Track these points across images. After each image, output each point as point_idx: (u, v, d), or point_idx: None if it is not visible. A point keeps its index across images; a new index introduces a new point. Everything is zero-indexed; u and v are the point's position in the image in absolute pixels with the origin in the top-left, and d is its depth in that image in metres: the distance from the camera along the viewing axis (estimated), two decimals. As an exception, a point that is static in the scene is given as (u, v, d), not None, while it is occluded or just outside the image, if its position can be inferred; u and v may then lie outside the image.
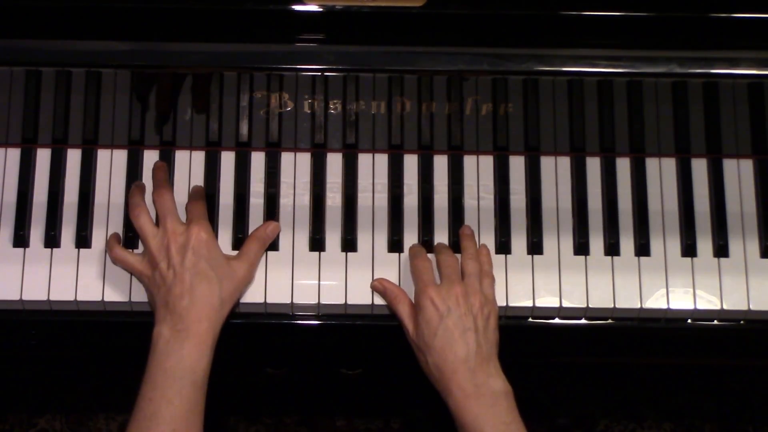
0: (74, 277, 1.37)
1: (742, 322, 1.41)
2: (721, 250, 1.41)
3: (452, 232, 1.41)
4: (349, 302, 1.38)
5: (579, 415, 2.04)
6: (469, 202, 1.42)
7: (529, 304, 1.39)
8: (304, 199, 1.42)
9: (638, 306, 1.39)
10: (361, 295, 1.38)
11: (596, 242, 1.41)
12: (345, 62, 1.31)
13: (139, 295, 1.37)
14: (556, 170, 1.44)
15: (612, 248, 1.41)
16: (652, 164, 1.44)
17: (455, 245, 1.39)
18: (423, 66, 1.31)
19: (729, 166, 1.44)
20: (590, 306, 1.39)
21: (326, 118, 1.41)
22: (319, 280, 1.39)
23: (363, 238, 1.41)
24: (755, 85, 1.39)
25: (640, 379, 2.04)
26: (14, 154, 1.41)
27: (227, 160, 1.43)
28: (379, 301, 1.37)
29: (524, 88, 1.40)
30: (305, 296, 1.38)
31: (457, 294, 1.29)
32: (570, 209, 1.42)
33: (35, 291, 1.37)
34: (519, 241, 1.41)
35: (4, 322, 1.38)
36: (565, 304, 1.39)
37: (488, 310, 1.30)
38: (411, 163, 1.44)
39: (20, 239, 1.38)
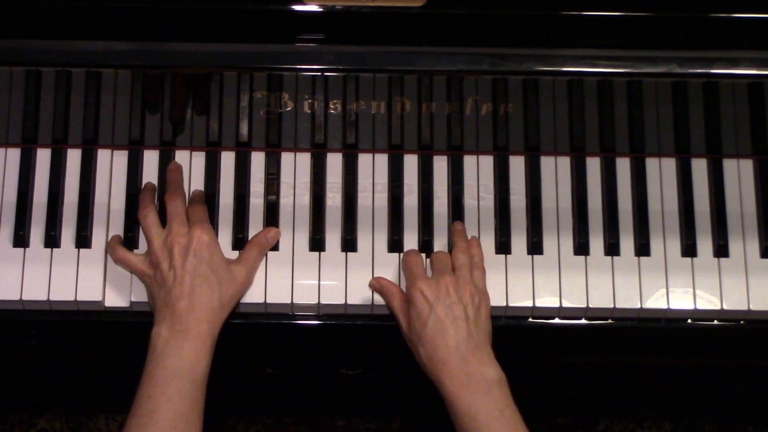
0: (74, 277, 1.37)
1: (742, 322, 1.41)
2: (721, 250, 1.41)
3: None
4: (349, 302, 1.38)
5: (579, 415, 2.04)
6: (469, 202, 1.42)
7: (529, 304, 1.39)
8: (304, 199, 1.42)
9: (638, 306, 1.39)
10: (361, 295, 1.38)
11: (596, 242, 1.41)
12: (345, 62, 1.30)
13: (139, 295, 1.37)
14: (556, 170, 1.44)
15: (612, 248, 1.41)
16: (652, 164, 1.44)
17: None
18: (423, 66, 1.31)
19: (729, 166, 1.44)
20: (590, 306, 1.39)
21: (326, 118, 1.41)
22: (319, 280, 1.39)
23: (363, 238, 1.41)
24: (755, 85, 1.39)
25: (640, 379, 2.04)
26: (14, 154, 1.41)
27: (227, 160, 1.43)
28: (379, 301, 1.37)
29: (524, 88, 1.40)
30: (305, 296, 1.38)
31: (447, 284, 1.29)
32: (570, 209, 1.42)
33: (35, 291, 1.37)
34: (519, 241, 1.41)
35: (4, 322, 1.38)
36: (565, 304, 1.39)
37: (479, 300, 1.30)
38: (411, 163, 1.44)
39: (20, 239, 1.38)
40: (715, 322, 1.41)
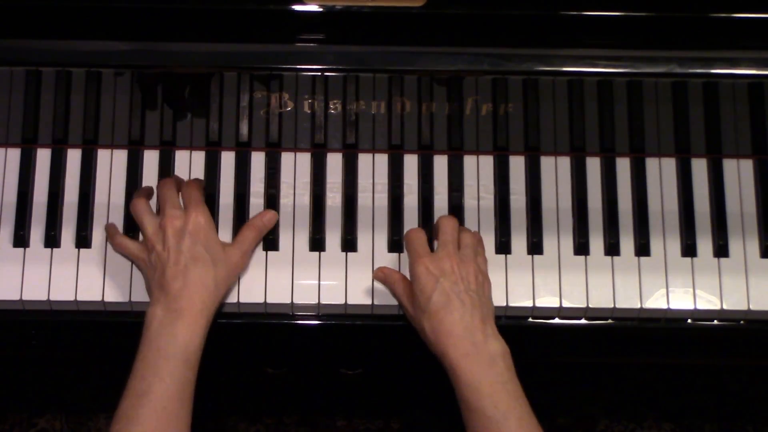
0: (74, 277, 1.37)
1: (742, 322, 1.41)
2: (721, 250, 1.41)
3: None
4: (349, 302, 1.38)
5: (579, 415, 2.04)
6: (469, 202, 1.42)
7: (529, 304, 1.39)
8: (304, 199, 1.42)
9: (638, 306, 1.39)
10: (361, 295, 1.38)
11: (596, 242, 1.41)
12: (345, 62, 1.31)
13: (139, 295, 1.37)
14: (556, 170, 1.44)
15: (612, 248, 1.41)
16: (652, 164, 1.44)
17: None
18: (423, 66, 1.31)
19: (729, 166, 1.44)
20: (590, 306, 1.39)
21: (326, 118, 1.41)
22: (319, 280, 1.39)
23: (363, 238, 1.41)
24: (755, 85, 1.39)
25: (640, 379, 2.04)
26: (14, 154, 1.41)
27: (227, 160, 1.43)
28: (378, 301, 1.38)
29: (524, 88, 1.40)
30: (305, 296, 1.38)
31: (452, 261, 1.29)
32: (570, 209, 1.42)
33: (35, 291, 1.37)
34: (519, 241, 1.41)
35: (4, 322, 1.38)
36: (565, 304, 1.39)
37: (482, 279, 1.31)
38: (411, 163, 1.44)
39: (20, 239, 1.38)
40: (715, 322, 1.41)
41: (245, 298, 1.37)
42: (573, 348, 1.43)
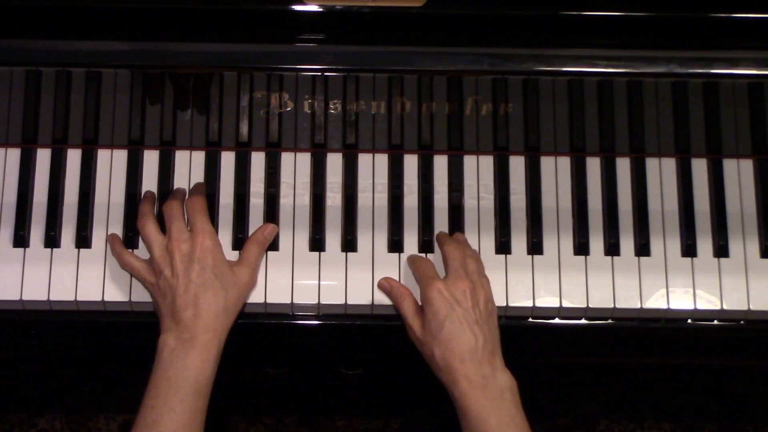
0: (74, 277, 1.37)
1: (742, 322, 1.41)
2: (721, 250, 1.41)
3: (452, 232, 1.40)
4: (349, 302, 1.38)
5: (579, 415, 2.04)
6: (469, 202, 1.42)
7: (529, 304, 1.39)
8: (304, 199, 1.42)
9: (638, 306, 1.39)
10: (361, 295, 1.38)
11: (596, 242, 1.41)
12: (345, 62, 1.30)
13: (139, 295, 1.37)
14: (556, 170, 1.44)
15: (612, 248, 1.41)
16: (652, 164, 1.44)
17: (455, 245, 1.39)
18: (423, 66, 1.31)
19: (729, 166, 1.44)
20: (590, 306, 1.39)
21: (326, 118, 1.41)
22: (319, 280, 1.39)
23: (363, 238, 1.41)
24: (755, 85, 1.39)
25: (640, 379, 2.04)
26: (14, 154, 1.41)
27: (227, 160, 1.43)
28: (379, 301, 1.38)
29: (524, 88, 1.40)
30: (305, 296, 1.38)
31: (465, 287, 1.29)
32: (570, 209, 1.42)
33: (35, 291, 1.37)
34: (519, 241, 1.41)
35: (4, 322, 1.38)
36: (565, 304, 1.39)
37: (491, 308, 1.31)
38: (411, 163, 1.44)
39: (20, 239, 1.38)
40: (715, 322, 1.41)
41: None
42: (573, 348, 1.43)
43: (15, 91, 1.38)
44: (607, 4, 1.28)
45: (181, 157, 1.43)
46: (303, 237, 1.41)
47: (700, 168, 1.44)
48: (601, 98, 1.41)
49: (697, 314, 1.40)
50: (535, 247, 1.40)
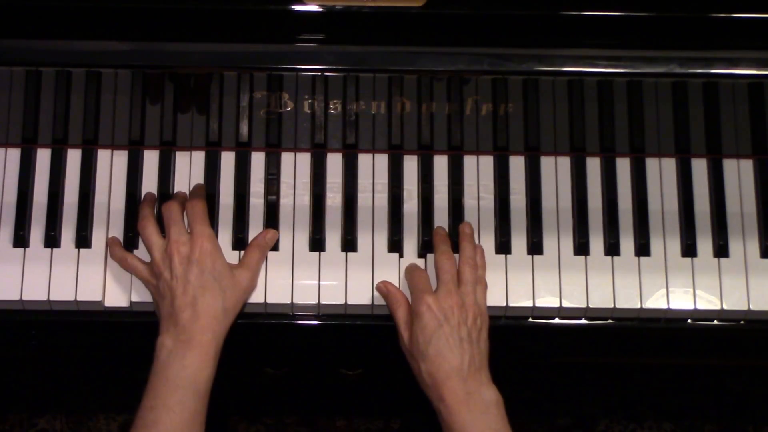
0: (74, 277, 1.37)
1: (742, 322, 1.41)
2: (721, 250, 1.41)
3: (452, 232, 1.41)
4: (349, 302, 1.38)
5: (579, 415, 2.04)
6: (469, 202, 1.42)
7: (529, 304, 1.39)
8: (304, 199, 1.42)
9: (638, 306, 1.39)
10: (361, 295, 1.38)
11: (596, 242, 1.41)
12: (345, 62, 1.30)
13: (139, 295, 1.37)
14: (556, 170, 1.44)
15: (612, 248, 1.41)
16: (652, 164, 1.44)
17: (455, 245, 1.39)
18: (423, 66, 1.31)
19: (729, 166, 1.44)
20: (590, 306, 1.39)
21: (326, 118, 1.41)
22: (319, 280, 1.39)
23: (363, 238, 1.41)
24: (755, 85, 1.39)
25: (640, 379, 2.04)
26: (14, 154, 1.41)
27: (227, 160, 1.43)
28: (379, 301, 1.38)
29: (524, 88, 1.40)
30: (305, 296, 1.38)
31: (453, 304, 1.29)
32: (570, 209, 1.42)
33: (35, 291, 1.37)
34: (519, 241, 1.41)
35: (4, 322, 1.38)
36: (565, 304, 1.39)
37: (481, 322, 1.31)
38: (411, 163, 1.44)
39: (20, 239, 1.38)
40: (715, 322, 1.41)
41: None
42: (573, 348, 1.43)
43: (15, 91, 1.38)
44: (607, 4, 1.28)
45: (181, 157, 1.43)
46: (303, 237, 1.40)
47: (700, 168, 1.44)
48: (601, 98, 1.41)
49: (697, 314, 1.40)
50: (535, 247, 1.40)
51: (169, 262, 1.29)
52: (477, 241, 1.40)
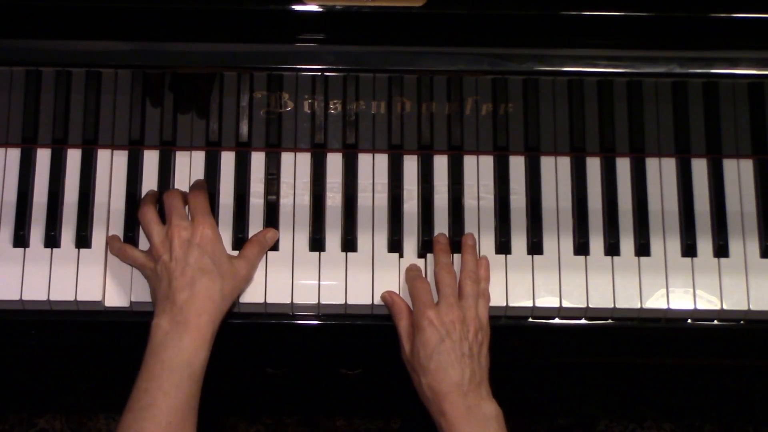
0: (74, 277, 1.37)
1: (742, 322, 1.41)
2: (721, 250, 1.41)
3: (452, 232, 1.41)
4: (349, 302, 1.38)
5: (579, 415, 2.04)
6: (469, 202, 1.42)
7: (529, 304, 1.39)
8: (304, 199, 1.42)
9: (638, 306, 1.39)
10: (361, 295, 1.38)
11: (596, 242, 1.41)
12: (345, 62, 1.30)
13: (139, 295, 1.37)
14: (556, 170, 1.44)
15: (612, 248, 1.41)
16: (652, 164, 1.44)
17: (455, 245, 1.39)
18: (423, 66, 1.31)
19: (729, 166, 1.44)
20: (590, 306, 1.39)
21: (326, 118, 1.41)
22: (319, 280, 1.39)
23: (363, 238, 1.41)
24: (755, 85, 1.39)
25: (640, 379, 2.04)
26: (14, 154, 1.42)
27: (227, 160, 1.43)
28: (379, 301, 1.37)
29: (524, 88, 1.40)
30: (305, 296, 1.38)
31: (454, 319, 1.30)
32: (570, 209, 1.42)
33: (35, 291, 1.37)
34: (519, 241, 1.41)
35: (4, 322, 1.38)
36: (565, 304, 1.39)
37: (482, 337, 1.32)
38: (411, 163, 1.44)
39: (20, 239, 1.38)
40: (715, 322, 1.41)
41: (245, 298, 1.37)
42: (573, 348, 1.43)
43: (15, 91, 1.38)
44: (607, 4, 1.28)
45: (181, 157, 1.43)
46: (303, 237, 1.40)
47: (700, 168, 1.44)
48: (601, 98, 1.41)
49: (697, 314, 1.40)
50: (535, 247, 1.40)
51: (169, 245, 1.29)
52: (477, 242, 1.40)
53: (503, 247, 1.41)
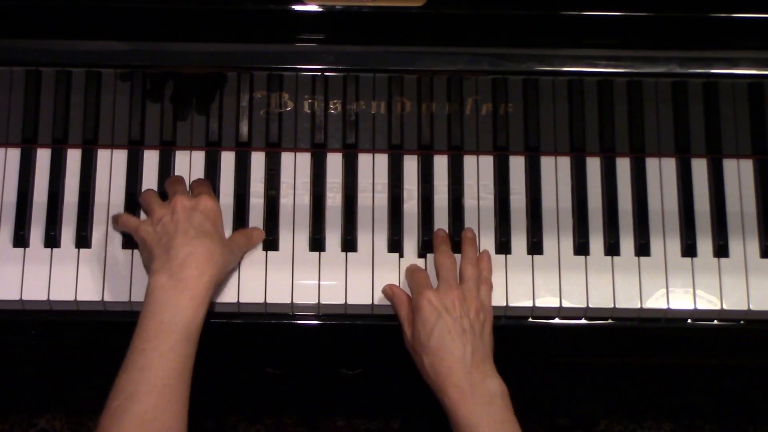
0: (74, 277, 1.37)
1: (742, 322, 1.41)
2: (721, 250, 1.41)
3: (452, 232, 1.41)
4: (349, 302, 1.38)
5: (579, 415, 2.04)
6: (469, 202, 1.42)
7: (529, 304, 1.39)
8: (304, 199, 1.42)
9: (638, 306, 1.39)
10: (361, 295, 1.38)
11: (596, 242, 1.41)
12: (345, 62, 1.31)
13: (139, 295, 1.37)
14: (556, 170, 1.44)
15: (612, 248, 1.41)
16: (652, 164, 1.44)
17: (456, 245, 1.39)
18: (423, 66, 1.31)
19: (729, 166, 1.44)
20: (590, 306, 1.39)
21: (326, 118, 1.42)
22: (319, 280, 1.39)
23: (363, 238, 1.41)
24: (755, 85, 1.39)
25: (640, 379, 2.04)
26: (14, 154, 1.42)
27: (227, 160, 1.43)
28: (378, 301, 1.38)
29: (524, 88, 1.40)
30: (305, 296, 1.38)
31: (454, 297, 1.29)
32: (570, 209, 1.42)
33: (35, 291, 1.37)
34: (519, 241, 1.41)
35: (4, 322, 1.38)
36: (565, 304, 1.39)
37: (484, 317, 1.31)
38: (411, 163, 1.44)
39: (20, 239, 1.38)
40: (715, 322, 1.41)
41: (245, 298, 1.37)
42: (573, 348, 1.43)
43: (15, 91, 1.38)
44: (607, 4, 1.28)
45: (181, 157, 1.43)
46: (303, 237, 1.41)
47: (700, 168, 1.44)
48: (601, 98, 1.41)
49: (697, 314, 1.40)
50: (535, 247, 1.40)
51: (172, 210, 1.29)
52: (477, 242, 1.40)
53: (503, 247, 1.41)
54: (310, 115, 1.41)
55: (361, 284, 1.38)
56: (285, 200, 1.42)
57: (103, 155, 1.42)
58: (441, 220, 1.41)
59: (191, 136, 1.42)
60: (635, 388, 2.06)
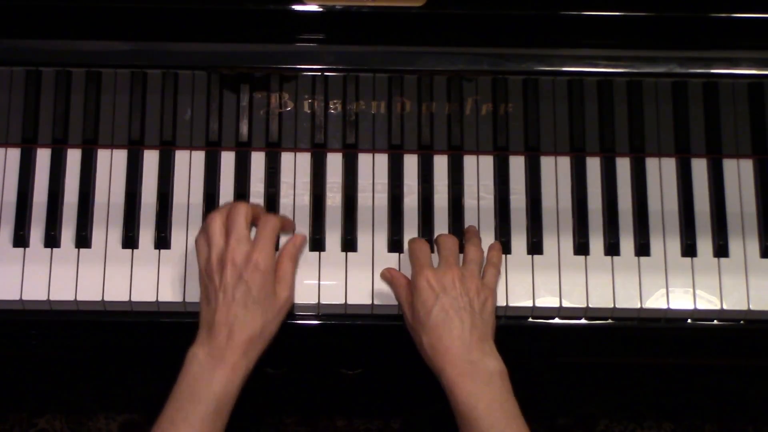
0: (74, 277, 1.37)
1: (742, 322, 1.41)
2: (721, 250, 1.41)
3: (452, 232, 1.41)
4: (349, 302, 1.38)
5: (579, 415, 2.04)
6: (469, 202, 1.42)
7: (529, 304, 1.39)
8: (304, 199, 1.42)
9: (638, 306, 1.39)
10: (361, 295, 1.38)
11: (596, 242, 1.41)
12: (345, 62, 1.31)
13: (139, 294, 1.37)
14: (556, 170, 1.44)
15: (612, 248, 1.41)
16: (652, 164, 1.44)
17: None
18: (423, 66, 1.31)
19: (729, 166, 1.44)
20: (590, 306, 1.39)
21: (326, 118, 1.42)
22: (319, 280, 1.39)
23: (363, 238, 1.41)
24: (755, 85, 1.39)
25: (640, 379, 2.04)
26: (14, 154, 1.41)
27: (227, 160, 1.43)
28: (379, 301, 1.38)
29: (524, 88, 1.40)
30: (305, 296, 1.38)
31: (454, 276, 1.29)
32: (570, 209, 1.42)
33: (35, 291, 1.37)
34: (519, 241, 1.41)
35: (4, 322, 1.38)
36: (565, 304, 1.39)
37: (485, 296, 1.30)
38: (411, 163, 1.44)
39: (20, 239, 1.38)
40: (715, 322, 1.41)
41: (245, 298, 1.37)
42: (573, 348, 1.43)
43: (15, 91, 1.38)
44: (607, 4, 1.28)
45: (181, 157, 1.43)
46: (303, 237, 1.40)
47: (700, 168, 1.44)
48: (601, 98, 1.41)
49: (697, 314, 1.40)
50: (535, 247, 1.41)
51: (222, 269, 1.26)
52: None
53: (503, 247, 1.40)
54: (310, 115, 1.41)
55: (361, 284, 1.38)
56: (285, 200, 1.42)
57: (103, 155, 1.42)
58: (441, 220, 1.41)
59: (191, 136, 1.42)
60: (635, 388, 2.06)
